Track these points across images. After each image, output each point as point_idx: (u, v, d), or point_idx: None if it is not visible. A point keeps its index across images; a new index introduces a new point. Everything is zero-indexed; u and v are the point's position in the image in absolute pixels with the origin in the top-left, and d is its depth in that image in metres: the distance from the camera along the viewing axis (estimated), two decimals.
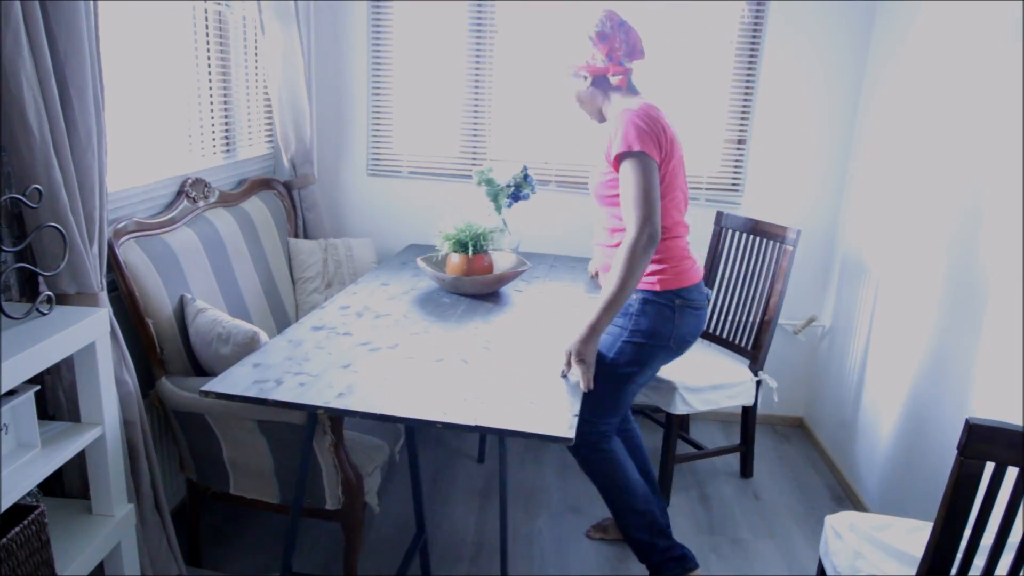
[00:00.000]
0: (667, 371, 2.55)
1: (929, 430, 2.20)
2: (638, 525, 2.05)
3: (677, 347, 1.94)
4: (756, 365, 2.67)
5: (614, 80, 1.90)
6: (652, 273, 1.90)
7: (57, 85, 1.45)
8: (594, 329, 1.73)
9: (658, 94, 2.97)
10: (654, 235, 1.73)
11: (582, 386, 1.68)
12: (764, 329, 2.65)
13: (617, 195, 1.85)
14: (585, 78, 1.92)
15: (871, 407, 2.61)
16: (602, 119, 1.98)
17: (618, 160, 1.80)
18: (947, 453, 2.09)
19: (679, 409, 2.50)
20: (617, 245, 1.88)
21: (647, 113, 1.80)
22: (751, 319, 2.72)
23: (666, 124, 1.83)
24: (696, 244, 3.26)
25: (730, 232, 2.85)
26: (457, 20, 3.00)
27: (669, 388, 2.52)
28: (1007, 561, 1.30)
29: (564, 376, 1.72)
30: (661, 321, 1.89)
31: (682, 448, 2.93)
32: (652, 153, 1.77)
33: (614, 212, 1.91)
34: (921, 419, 2.25)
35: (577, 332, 1.74)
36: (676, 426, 2.55)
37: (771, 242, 2.66)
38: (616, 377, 1.94)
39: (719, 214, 2.89)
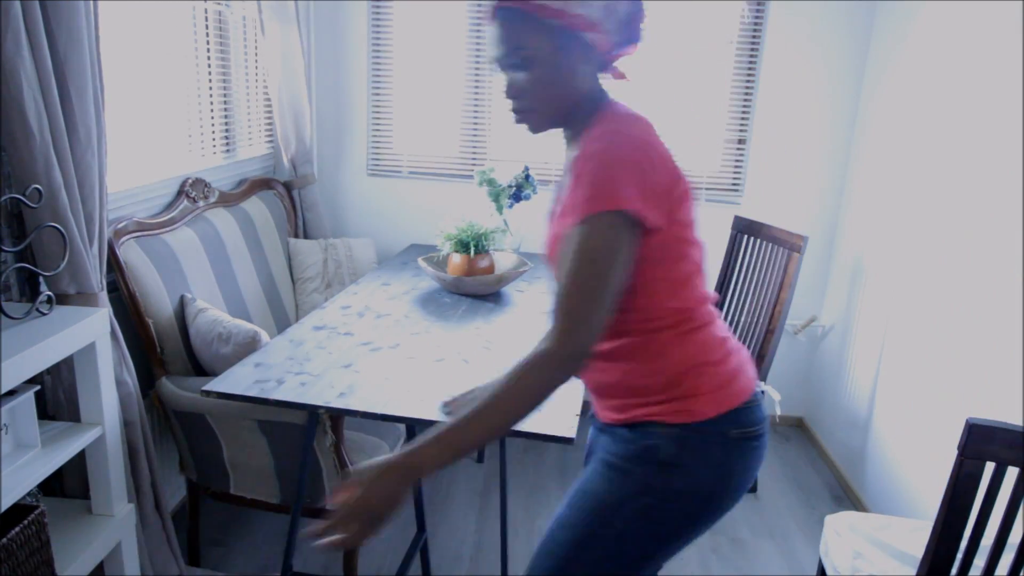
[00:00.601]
0: None
1: (929, 429, 2.20)
2: None
3: (732, 503, 1.19)
4: (759, 376, 2.56)
5: (588, 57, 1.12)
6: (685, 396, 1.14)
7: (57, 85, 1.46)
8: (416, 467, 0.97)
9: (657, 94, 2.98)
10: (583, 355, 1.02)
11: (339, 541, 0.94)
12: (768, 339, 2.55)
13: None
14: (553, 30, 1.08)
15: (871, 407, 2.61)
16: (556, 122, 1.17)
17: (578, 217, 1.03)
18: (947, 453, 2.08)
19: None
20: (613, 352, 1.18)
21: (642, 139, 1.07)
22: (757, 327, 2.63)
23: (666, 154, 1.09)
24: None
25: (738, 236, 2.82)
26: (457, 20, 3.00)
27: None
28: (1007, 561, 1.30)
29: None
30: (709, 470, 1.14)
31: None
32: (641, 211, 1.03)
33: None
34: (921, 418, 2.25)
35: (380, 461, 0.98)
36: None
37: (778, 248, 2.59)
38: (627, 565, 1.18)
39: (736, 218, 2.84)
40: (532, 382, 1.01)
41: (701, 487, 1.15)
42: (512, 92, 1.15)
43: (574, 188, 1.06)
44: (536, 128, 1.19)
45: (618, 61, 1.18)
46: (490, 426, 1.00)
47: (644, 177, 1.04)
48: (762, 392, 1.25)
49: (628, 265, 1.06)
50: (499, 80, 1.26)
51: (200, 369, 2.04)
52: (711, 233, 3.10)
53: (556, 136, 1.22)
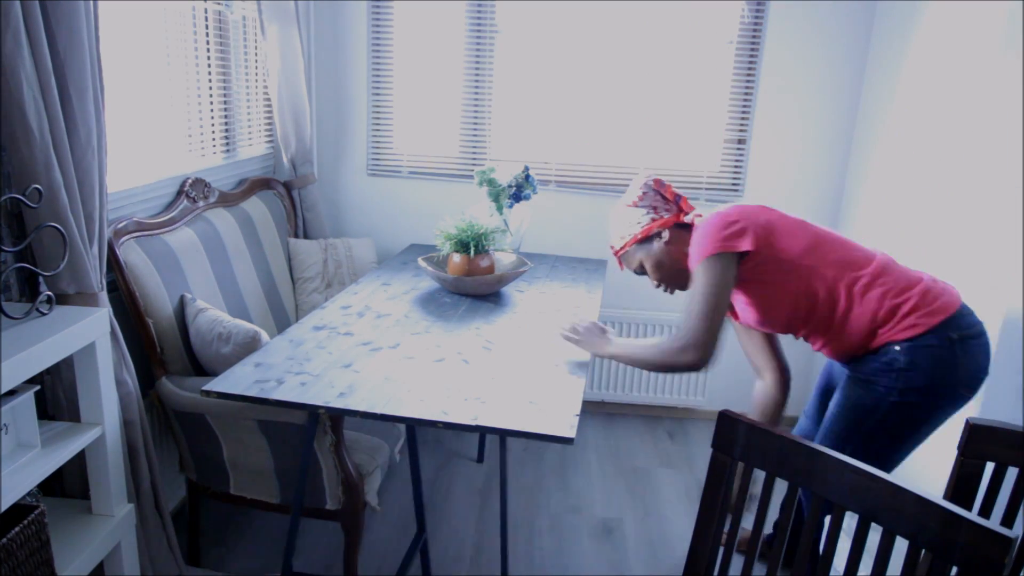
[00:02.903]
0: None
1: None
2: None
3: (969, 390, 1.63)
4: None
5: (689, 219, 1.82)
6: (907, 314, 1.61)
7: (57, 85, 1.46)
8: (606, 352, 1.76)
9: (658, 95, 2.98)
10: (703, 361, 1.62)
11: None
12: None
13: (760, 297, 1.75)
14: (660, 236, 1.81)
15: None
16: (680, 273, 1.85)
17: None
18: (947, 453, 2.08)
19: None
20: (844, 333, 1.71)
21: (718, 214, 1.71)
22: None
23: (753, 211, 1.72)
24: None
25: None
26: (457, 20, 3.00)
27: None
28: None
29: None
30: (941, 367, 1.58)
31: None
32: (734, 246, 1.65)
33: (766, 321, 1.81)
34: None
35: (600, 342, 1.78)
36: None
37: None
38: (891, 448, 1.68)
39: None
40: None
41: (935, 380, 1.59)
42: (650, 277, 1.88)
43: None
44: (679, 289, 1.87)
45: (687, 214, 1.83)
46: (636, 365, 1.71)
47: (730, 232, 1.67)
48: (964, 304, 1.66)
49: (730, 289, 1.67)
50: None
51: (200, 369, 2.04)
52: None
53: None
